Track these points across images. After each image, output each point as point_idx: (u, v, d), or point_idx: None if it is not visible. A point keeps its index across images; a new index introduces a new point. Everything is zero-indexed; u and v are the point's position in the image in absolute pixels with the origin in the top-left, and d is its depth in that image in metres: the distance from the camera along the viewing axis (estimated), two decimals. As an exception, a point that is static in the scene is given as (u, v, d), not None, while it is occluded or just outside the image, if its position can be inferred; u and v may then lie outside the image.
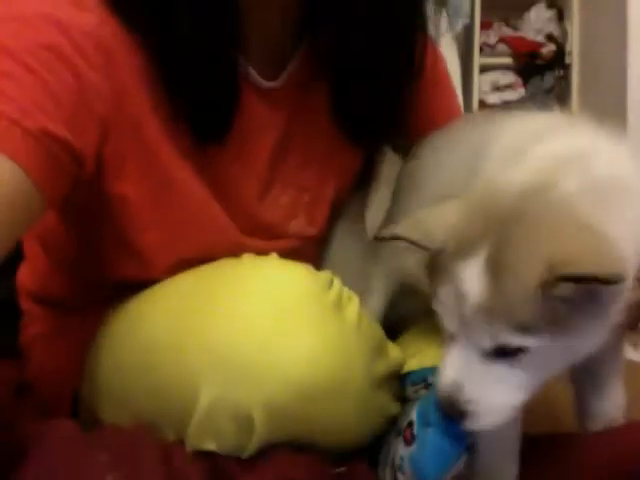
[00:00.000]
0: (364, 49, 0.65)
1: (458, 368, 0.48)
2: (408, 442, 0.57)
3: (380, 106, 0.69)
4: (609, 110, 2.34)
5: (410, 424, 0.58)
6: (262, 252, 0.64)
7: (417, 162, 0.73)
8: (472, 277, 0.46)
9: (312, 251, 0.74)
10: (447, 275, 0.47)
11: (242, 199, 0.67)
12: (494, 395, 0.48)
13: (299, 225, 0.72)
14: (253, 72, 0.65)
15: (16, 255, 0.73)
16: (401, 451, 0.57)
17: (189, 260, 0.63)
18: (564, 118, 0.64)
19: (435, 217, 0.51)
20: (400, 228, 0.52)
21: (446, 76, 0.83)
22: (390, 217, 0.74)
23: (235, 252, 0.64)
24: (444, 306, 0.49)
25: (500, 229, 0.46)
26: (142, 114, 0.59)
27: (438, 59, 0.79)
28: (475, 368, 0.48)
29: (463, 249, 0.47)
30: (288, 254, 0.63)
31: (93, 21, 0.56)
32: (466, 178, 0.63)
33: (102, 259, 0.66)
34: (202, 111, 0.61)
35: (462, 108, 2.84)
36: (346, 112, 0.69)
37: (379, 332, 0.65)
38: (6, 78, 0.51)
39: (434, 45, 0.75)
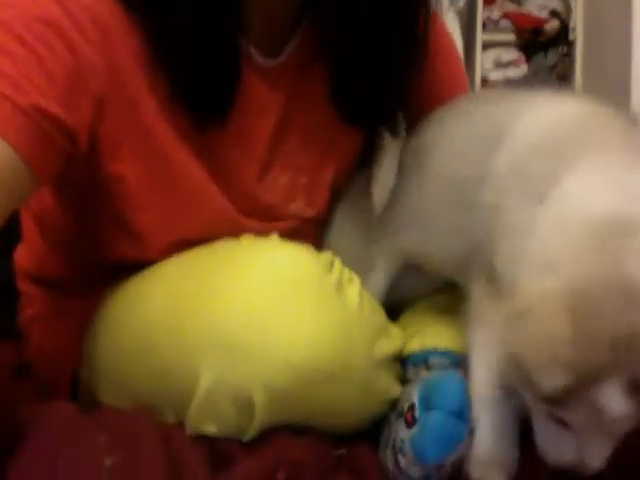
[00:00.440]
0: (366, 29, 0.63)
1: None
2: (409, 424, 0.57)
3: (382, 88, 0.67)
4: (613, 88, 2.33)
5: (412, 407, 0.58)
6: (261, 233, 0.63)
7: (422, 137, 0.72)
8: (614, 400, 0.45)
9: (312, 233, 0.73)
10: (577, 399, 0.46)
11: (241, 180, 0.66)
12: None
13: (298, 207, 0.71)
14: (253, 51, 0.64)
15: (13, 236, 0.73)
16: (402, 433, 0.57)
17: (187, 241, 0.63)
18: (592, 115, 0.62)
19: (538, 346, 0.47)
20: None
21: (451, 49, 0.81)
22: (396, 195, 0.73)
23: (234, 233, 0.63)
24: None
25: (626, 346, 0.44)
26: (139, 94, 0.58)
27: (442, 31, 0.77)
28: None
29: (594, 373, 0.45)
30: (288, 235, 0.62)
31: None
32: (480, 151, 0.63)
33: (99, 239, 0.65)
34: (202, 91, 0.60)
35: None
36: (346, 94, 0.68)
37: (380, 313, 0.65)
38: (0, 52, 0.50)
39: (438, 18, 0.73)
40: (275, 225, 0.67)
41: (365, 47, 0.65)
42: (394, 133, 0.68)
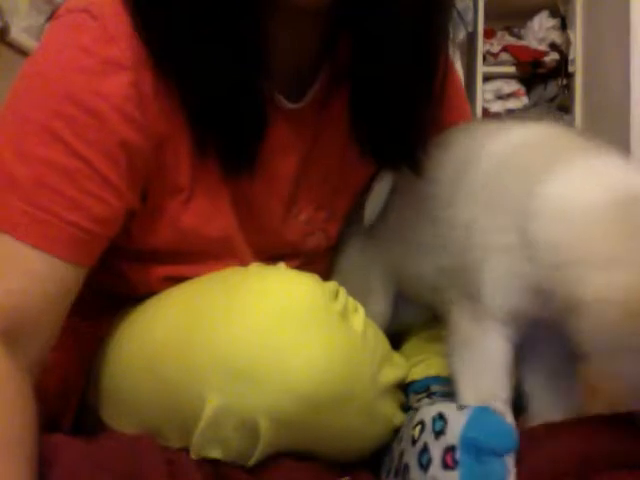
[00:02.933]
0: (383, 72, 0.64)
1: None
2: (448, 467, 0.55)
3: (401, 125, 0.68)
4: (612, 119, 2.35)
5: (451, 448, 0.56)
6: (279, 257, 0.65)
7: None
8: None
9: (323, 259, 0.75)
10: None
11: (267, 222, 0.68)
12: None
13: (315, 240, 0.73)
14: (278, 96, 0.64)
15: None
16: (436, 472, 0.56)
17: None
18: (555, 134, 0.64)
19: None
20: None
21: (457, 80, 0.83)
22: (385, 217, 0.75)
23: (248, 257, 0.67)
24: None
25: None
26: (177, 152, 0.61)
27: (453, 72, 0.79)
28: None
29: None
30: (300, 264, 0.64)
31: (128, 79, 0.56)
32: (454, 174, 0.65)
33: (111, 275, 0.67)
34: (232, 142, 0.61)
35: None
36: (366, 132, 0.69)
37: (384, 342, 0.65)
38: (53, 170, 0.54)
39: (450, 59, 0.74)
40: (290, 262, 0.68)
41: (382, 86, 0.65)
42: (415, 169, 0.69)
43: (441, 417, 0.57)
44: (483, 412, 0.56)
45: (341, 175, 0.73)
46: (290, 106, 0.66)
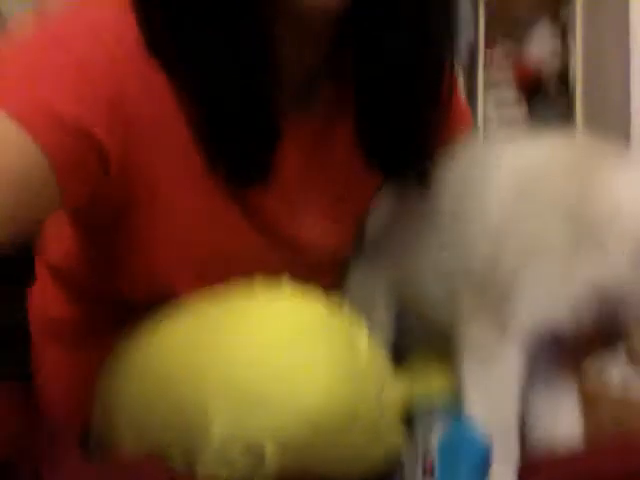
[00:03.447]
0: (385, 76, 0.65)
1: None
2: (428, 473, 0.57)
3: (406, 134, 0.68)
4: (613, 127, 2.35)
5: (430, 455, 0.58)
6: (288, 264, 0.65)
7: None
8: None
9: (331, 273, 0.76)
10: None
11: (276, 232, 0.68)
12: None
13: (322, 252, 0.73)
14: (285, 106, 0.65)
15: (30, 279, 0.75)
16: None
17: (210, 276, 0.65)
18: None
19: None
20: None
21: (458, 89, 0.83)
22: (390, 228, 0.75)
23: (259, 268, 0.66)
24: None
25: None
26: (185, 157, 0.61)
27: (456, 82, 0.79)
28: None
29: None
30: (312, 271, 0.64)
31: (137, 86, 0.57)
32: (466, 189, 0.66)
33: (118, 279, 0.67)
34: (246, 156, 0.62)
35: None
36: (371, 141, 0.69)
37: (387, 360, 0.66)
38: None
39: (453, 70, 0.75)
40: (305, 268, 0.68)
41: (386, 94, 0.66)
42: (422, 180, 0.70)
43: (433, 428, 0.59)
44: (459, 424, 0.58)
45: (347, 186, 0.73)
46: (296, 115, 0.66)
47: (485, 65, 2.91)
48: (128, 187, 0.59)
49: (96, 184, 0.56)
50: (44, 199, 0.53)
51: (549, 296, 0.59)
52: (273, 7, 0.59)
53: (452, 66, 0.69)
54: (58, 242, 0.70)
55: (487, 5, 2.88)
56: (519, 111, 2.92)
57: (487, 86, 2.89)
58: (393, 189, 0.75)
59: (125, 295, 0.67)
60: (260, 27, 0.59)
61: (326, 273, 0.73)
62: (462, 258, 0.66)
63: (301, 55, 0.65)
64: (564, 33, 2.93)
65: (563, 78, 2.86)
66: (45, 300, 0.74)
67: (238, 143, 0.61)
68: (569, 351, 0.63)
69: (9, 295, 0.74)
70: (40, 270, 0.74)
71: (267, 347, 0.55)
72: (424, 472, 0.57)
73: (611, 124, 2.40)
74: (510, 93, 2.92)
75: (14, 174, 0.49)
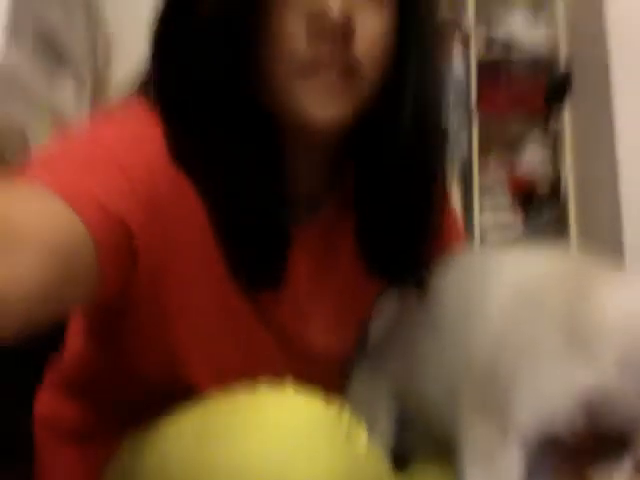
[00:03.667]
0: (384, 196, 0.69)
1: None
2: None
3: (404, 243, 0.72)
4: (606, 241, 2.40)
5: None
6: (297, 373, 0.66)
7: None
8: None
9: (334, 374, 0.77)
10: None
11: (284, 329, 0.70)
12: None
13: (326, 354, 0.74)
14: (293, 217, 0.68)
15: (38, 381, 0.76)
16: None
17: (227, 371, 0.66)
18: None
19: None
20: None
21: (453, 210, 0.88)
22: (393, 335, 0.77)
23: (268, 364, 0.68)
24: None
25: None
26: (205, 263, 0.63)
27: (448, 194, 0.84)
28: None
29: None
30: (316, 375, 0.65)
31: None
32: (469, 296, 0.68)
33: (130, 371, 0.68)
34: (259, 261, 0.64)
35: (465, 242, 2.90)
36: (372, 249, 0.73)
37: (386, 463, 0.66)
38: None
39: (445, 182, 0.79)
40: (310, 367, 0.70)
41: (385, 211, 0.70)
42: (420, 286, 0.73)
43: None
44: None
45: (352, 292, 0.75)
46: (303, 227, 0.70)
47: (480, 174, 3.00)
48: (151, 284, 0.61)
49: (127, 275, 0.58)
50: (85, 280, 0.53)
51: (545, 400, 0.60)
52: (283, 127, 0.64)
53: (444, 178, 0.74)
54: (69, 349, 0.72)
55: (480, 117, 3.00)
56: (514, 217, 2.99)
57: (482, 193, 2.97)
58: (396, 294, 0.78)
59: (137, 390, 0.68)
60: (271, 144, 0.64)
61: (329, 375, 0.75)
62: (463, 361, 0.68)
63: (309, 168, 0.70)
64: (555, 143, 3.05)
65: (555, 185, 2.95)
66: (53, 400, 0.75)
67: (253, 250, 0.64)
68: (570, 458, 0.64)
69: (17, 391, 0.75)
70: (50, 373, 0.75)
71: (268, 447, 0.56)
72: None
73: (604, 237, 2.46)
74: (504, 200, 3.00)
75: (63, 250, 0.50)
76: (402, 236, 0.70)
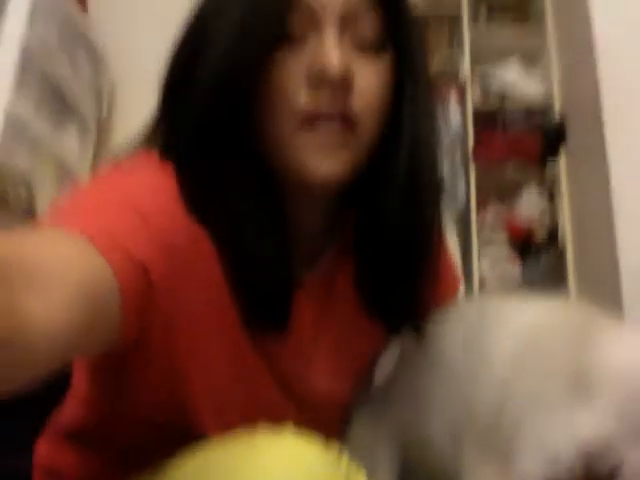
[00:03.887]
0: (381, 243, 0.70)
1: None
2: None
3: (402, 292, 0.73)
4: (604, 288, 2.41)
5: None
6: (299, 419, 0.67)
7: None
8: None
9: (334, 418, 0.77)
10: None
11: (287, 373, 0.71)
12: None
13: (328, 399, 0.75)
14: (297, 264, 0.70)
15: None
16: None
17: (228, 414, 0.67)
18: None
19: None
20: None
21: (449, 255, 0.89)
22: (396, 379, 0.78)
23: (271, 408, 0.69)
24: None
25: None
26: (219, 309, 0.64)
27: (444, 241, 0.85)
28: None
29: None
30: (316, 421, 0.66)
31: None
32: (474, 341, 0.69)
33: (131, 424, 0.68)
34: (266, 307, 0.66)
35: (463, 285, 2.92)
36: (371, 298, 0.74)
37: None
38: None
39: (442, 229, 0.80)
40: (312, 412, 0.71)
41: (382, 258, 0.71)
42: (418, 331, 0.74)
43: None
44: None
45: (353, 338, 0.76)
46: (305, 275, 0.71)
47: (477, 222, 3.02)
48: (164, 330, 0.61)
49: (144, 321, 0.58)
50: (108, 324, 0.52)
51: (549, 449, 0.61)
52: (286, 179, 0.66)
53: (441, 226, 0.75)
54: (73, 396, 0.73)
55: (477, 170, 3.05)
56: (512, 265, 3.00)
57: (481, 245, 2.99)
58: (399, 340, 0.79)
59: (141, 435, 0.68)
60: (276, 196, 0.66)
61: (330, 420, 0.75)
62: (467, 407, 0.68)
63: (312, 218, 0.72)
64: (551, 198, 3.08)
65: (553, 233, 2.96)
66: (53, 449, 0.75)
67: (261, 295, 0.65)
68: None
69: (16, 440, 0.75)
70: (50, 422, 0.75)
71: None
72: None
73: (603, 284, 2.46)
74: (503, 251, 3.01)
75: (91, 292, 0.49)
76: (400, 282, 0.72)
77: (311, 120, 0.63)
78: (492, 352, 0.68)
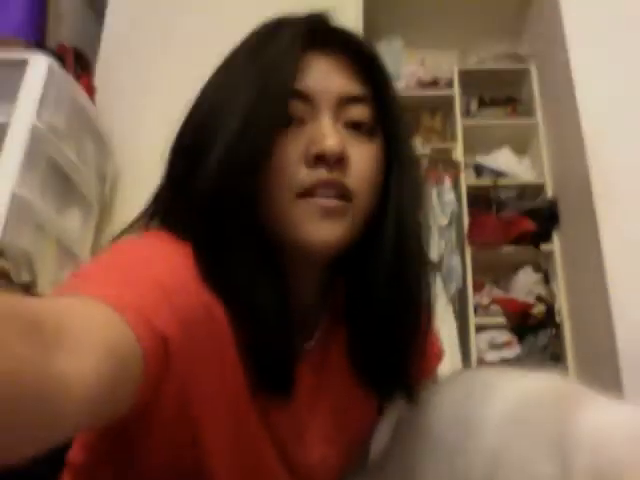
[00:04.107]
0: (370, 313, 0.72)
1: None
2: None
3: (392, 360, 0.74)
4: (602, 367, 2.40)
5: None
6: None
7: (418, 407, 0.79)
8: None
9: None
10: None
11: (285, 442, 0.72)
12: None
13: (323, 472, 0.75)
14: (297, 334, 0.72)
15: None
16: None
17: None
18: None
19: None
20: None
21: (433, 330, 0.91)
22: (393, 445, 0.78)
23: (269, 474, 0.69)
24: None
25: None
26: (229, 376, 0.65)
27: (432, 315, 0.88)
28: None
29: None
30: None
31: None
32: (468, 412, 0.70)
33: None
34: (272, 374, 0.67)
35: (461, 366, 2.89)
36: (362, 366, 0.75)
37: None
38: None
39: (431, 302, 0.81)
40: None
41: (373, 327, 0.73)
42: (410, 398, 0.76)
43: None
44: None
45: (347, 410, 0.77)
46: (303, 346, 0.73)
47: (474, 307, 3.04)
48: (175, 397, 0.61)
49: (159, 388, 0.58)
50: (130, 389, 0.52)
51: None
52: (286, 252, 0.69)
53: (429, 298, 0.76)
54: (72, 463, 0.73)
55: (473, 255, 3.09)
56: (510, 348, 2.99)
57: (479, 330, 2.99)
58: (394, 411, 0.80)
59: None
60: (279, 267, 0.68)
61: None
62: (461, 476, 0.69)
63: (310, 287, 0.74)
64: (547, 278, 3.11)
65: (550, 315, 2.97)
66: None
67: (268, 363, 0.66)
68: None
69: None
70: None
71: None
72: None
73: (601, 363, 2.45)
74: (500, 332, 3.01)
75: (117, 355, 0.49)
76: (390, 353, 0.73)
77: (309, 192, 0.66)
78: (481, 423, 0.69)
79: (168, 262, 0.62)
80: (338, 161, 0.66)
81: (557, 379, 0.71)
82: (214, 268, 0.64)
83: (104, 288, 0.55)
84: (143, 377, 0.52)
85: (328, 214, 0.66)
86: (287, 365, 0.67)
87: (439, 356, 0.90)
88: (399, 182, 0.72)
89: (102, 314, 0.51)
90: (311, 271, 0.74)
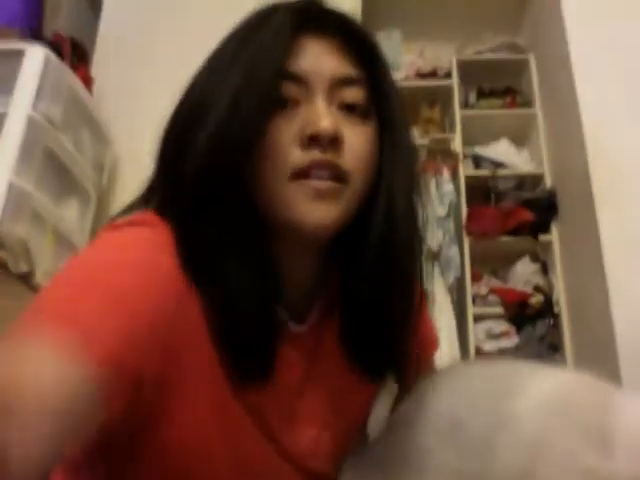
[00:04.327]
0: (365, 297, 0.73)
1: None
2: None
3: (386, 347, 0.75)
4: (601, 356, 2.41)
5: None
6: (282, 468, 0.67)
7: (414, 398, 0.79)
8: None
9: (326, 470, 0.77)
10: None
11: (272, 432, 0.71)
12: None
13: (316, 462, 0.75)
14: (288, 320, 0.72)
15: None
16: None
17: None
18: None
19: None
20: None
21: (426, 310, 0.91)
22: (392, 443, 0.77)
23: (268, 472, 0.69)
24: None
25: None
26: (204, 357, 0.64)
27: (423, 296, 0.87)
28: None
29: None
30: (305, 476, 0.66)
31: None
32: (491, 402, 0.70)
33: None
34: (249, 356, 0.66)
35: (459, 356, 2.90)
36: (355, 350, 0.76)
37: None
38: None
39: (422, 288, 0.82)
40: (296, 467, 0.71)
41: (367, 314, 0.73)
42: (402, 384, 0.77)
43: None
44: None
45: (341, 396, 0.77)
46: (295, 328, 0.73)
47: (473, 297, 3.04)
48: (155, 399, 0.61)
49: (130, 406, 0.57)
50: (89, 424, 0.52)
51: None
52: (279, 232, 0.69)
53: (421, 281, 0.77)
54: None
55: (471, 245, 3.09)
56: (508, 338, 2.99)
57: (477, 320, 3.00)
58: (389, 394, 0.80)
59: None
60: (268, 248, 0.68)
61: (320, 475, 0.75)
62: (475, 470, 0.68)
63: (302, 271, 0.74)
64: (545, 269, 3.11)
65: (548, 305, 2.98)
66: None
67: (244, 342, 0.66)
68: None
69: None
70: None
71: None
72: None
73: (599, 352, 2.46)
74: (499, 326, 3.02)
75: (66, 408, 0.49)
76: (382, 330, 0.74)
77: (304, 172, 0.66)
78: (514, 415, 0.68)
79: (136, 261, 0.61)
80: (332, 142, 0.66)
81: (582, 375, 0.71)
82: (197, 250, 0.64)
83: (57, 322, 0.53)
84: (105, 405, 0.52)
85: (322, 196, 0.66)
86: (265, 345, 0.67)
87: (436, 343, 0.90)
88: (392, 164, 0.72)
89: (57, 368, 0.49)
90: (305, 255, 0.74)
